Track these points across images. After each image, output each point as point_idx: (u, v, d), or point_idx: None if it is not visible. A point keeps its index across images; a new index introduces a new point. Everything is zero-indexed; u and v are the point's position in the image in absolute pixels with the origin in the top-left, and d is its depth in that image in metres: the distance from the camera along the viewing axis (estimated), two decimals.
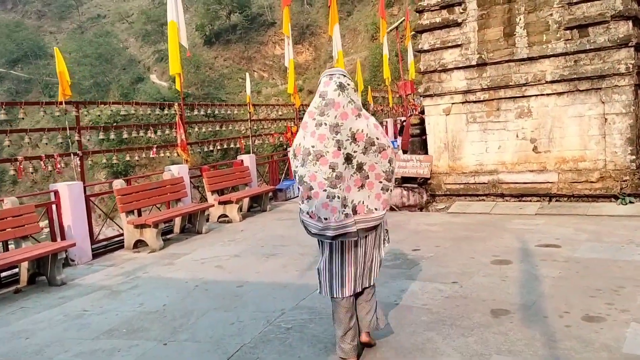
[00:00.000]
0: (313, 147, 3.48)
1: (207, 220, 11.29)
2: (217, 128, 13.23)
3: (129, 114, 11.32)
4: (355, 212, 3.58)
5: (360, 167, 3.55)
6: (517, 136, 9.33)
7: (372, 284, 3.88)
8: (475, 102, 9.58)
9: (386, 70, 22.01)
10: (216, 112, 13.17)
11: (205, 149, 13.09)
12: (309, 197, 3.53)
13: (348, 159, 3.49)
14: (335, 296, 3.79)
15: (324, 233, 3.57)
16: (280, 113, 15.68)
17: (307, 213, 3.61)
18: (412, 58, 24.51)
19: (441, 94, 9.84)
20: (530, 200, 9.22)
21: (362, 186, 3.59)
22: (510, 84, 9.15)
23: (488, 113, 9.51)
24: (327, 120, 3.47)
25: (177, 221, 10.39)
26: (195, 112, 12.45)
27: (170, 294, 6.11)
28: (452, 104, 9.80)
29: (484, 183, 9.55)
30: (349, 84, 3.63)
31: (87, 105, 9.79)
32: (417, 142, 10.37)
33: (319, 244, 3.90)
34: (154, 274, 7.05)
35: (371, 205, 3.62)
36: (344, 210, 3.52)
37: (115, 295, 6.25)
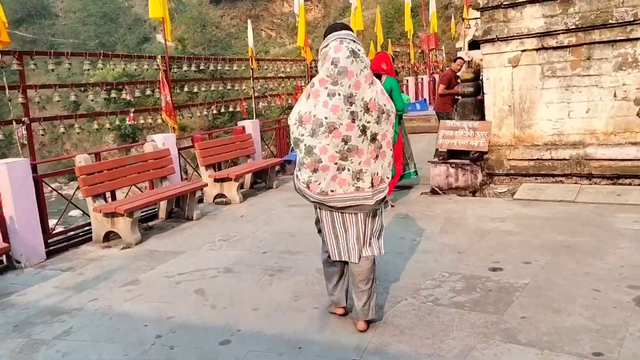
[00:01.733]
0: (326, 118, 3.20)
1: (202, 201, 8.82)
2: (221, 88, 10.61)
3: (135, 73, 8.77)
4: (372, 184, 3.40)
5: (374, 138, 3.36)
6: (614, 95, 6.63)
7: (375, 253, 3.59)
8: (555, 48, 6.85)
9: (408, 22, 19.07)
10: (218, 67, 10.47)
11: (215, 111, 10.54)
12: (315, 170, 3.29)
13: (364, 130, 3.28)
14: (343, 259, 3.60)
15: (327, 203, 3.40)
16: (288, 70, 12.97)
17: (306, 183, 3.39)
18: (433, 8, 21.49)
19: (507, 38, 7.10)
20: (631, 184, 6.59)
21: (377, 156, 3.42)
22: (610, 22, 6.41)
23: (573, 64, 6.79)
24: (340, 90, 3.20)
25: (162, 205, 7.89)
26: (186, 68, 9.79)
27: (112, 357, 3.63)
28: (522, 51, 7.07)
29: (564, 159, 6.91)
30: (359, 50, 3.34)
31: (34, 57, 7.21)
32: (469, 104, 7.69)
33: (315, 208, 3.64)
34: (104, 305, 4.54)
35: (384, 175, 3.49)
36: (355, 183, 3.34)
37: (35, 348, 3.78)
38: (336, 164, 3.26)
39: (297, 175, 3.46)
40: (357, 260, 3.51)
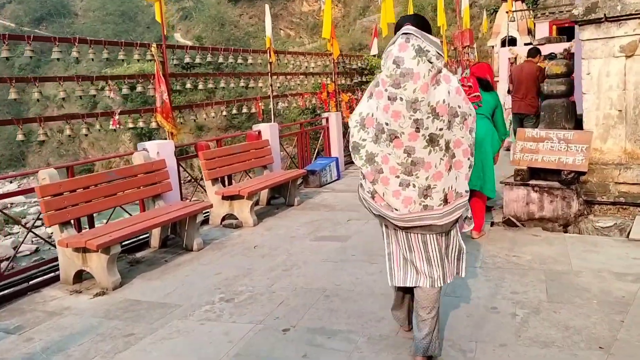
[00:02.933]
0: (387, 124, 2.71)
1: (207, 221, 7.00)
2: (235, 85, 8.74)
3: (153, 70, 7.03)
4: (446, 201, 2.80)
5: (447, 147, 2.76)
6: None
7: (448, 280, 3.00)
8: None
9: (441, 16, 16.98)
10: (230, 60, 8.54)
11: (225, 113, 8.65)
12: (374, 181, 2.83)
13: (432, 140, 2.69)
14: (394, 284, 3.06)
15: (393, 222, 2.84)
16: (312, 66, 11.05)
17: (371, 193, 2.90)
18: (466, 3, 19.37)
19: (620, 18, 5.08)
20: None
21: (450, 168, 2.80)
22: None
23: None
24: (403, 94, 2.61)
25: (155, 231, 6.03)
26: (188, 60, 7.90)
27: None
28: None
29: None
30: (429, 48, 2.67)
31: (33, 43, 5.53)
32: (559, 107, 5.67)
33: (380, 223, 3.07)
34: None
35: (460, 189, 2.86)
36: (422, 201, 2.77)
37: None
38: (398, 177, 2.79)
39: (361, 184, 3.03)
40: (427, 285, 2.96)
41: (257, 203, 7.63)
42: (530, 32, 24.24)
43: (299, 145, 9.82)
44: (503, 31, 23.40)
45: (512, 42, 21.15)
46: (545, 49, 11.60)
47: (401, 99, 2.63)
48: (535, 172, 5.71)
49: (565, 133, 5.50)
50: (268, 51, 8.96)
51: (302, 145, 9.88)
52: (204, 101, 10.23)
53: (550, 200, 5.51)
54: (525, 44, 20.14)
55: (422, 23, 2.78)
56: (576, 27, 5.32)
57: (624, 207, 5.30)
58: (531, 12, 23.91)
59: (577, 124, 5.67)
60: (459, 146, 2.82)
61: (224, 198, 6.95)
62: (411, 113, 2.64)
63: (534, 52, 9.71)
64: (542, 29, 23.19)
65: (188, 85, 8.05)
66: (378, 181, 2.82)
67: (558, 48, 14.59)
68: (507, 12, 18.46)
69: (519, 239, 5.24)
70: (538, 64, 8.87)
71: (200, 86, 8.20)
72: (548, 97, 5.70)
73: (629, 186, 5.23)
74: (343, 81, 11.91)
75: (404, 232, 2.91)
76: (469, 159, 2.87)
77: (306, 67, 10.72)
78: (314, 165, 9.55)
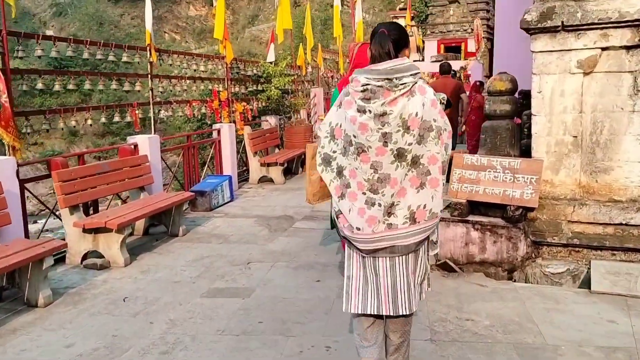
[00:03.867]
0: (355, 137, 2.49)
1: (63, 260, 5.41)
2: (124, 90, 7.04)
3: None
4: (414, 220, 2.53)
5: (416, 162, 2.53)
6: None
7: (414, 307, 2.64)
8: None
9: (337, 26, 16.15)
10: (97, 56, 6.82)
11: (103, 120, 6.90)
12: (342, 196, 2.61)
13: (400, 155, 2.47)
14: (367, 313, 2.67)
15: (356, 245, 2.60)
16: (202, 69, 9.54)
17: (336, 213, 2.69)
18: (359, 17, 18.80)
19: (580, 27, 4.24)
20: None
21: (422, 185, 2.54)
22: None
23: None
24: (372, 107, 2.42)
25: None
26: (55, 54, 6.15)
27: None
28: (603, 49, 4.24)
29: None
30: (403, 62, 2.49)
31: None
32: (503, 130, 4.73)
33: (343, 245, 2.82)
34: None
35: (436, 209, 2.58)
36: (386, 220, 2.52)
37: None
38: (364, 194, 2.54)
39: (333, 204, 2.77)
40: (391, 313, 2.62)
41: (131, 233, 6.03)
42: (419, 50, 24.49)
43: (186, 161, 8.27)
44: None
45: None
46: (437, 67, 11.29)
47: (369, 111, 2.45)
48: (476, 206, 4.76)
49: (511, 161, 4.59)
50: (148, 48, 7.36)
51: (189, 161, 8.34)
52: (79, 104, 8.34)
53: (493, 240, 4.56)
54: (415, 61, 19.93)
55: (398, 33, 2.57)
56: (531, 40, 4.41)
57: (577, 249, 4.48)
58: (420, 29, 24.13)
59: (524, 150, 4.79)
60: (434, 162, 2.56)
61: (86, 231, 5.32)
62: (379, 126, 2.45)
63: (448, 68, 9.21)
64: (431, 47, 23.48)
65: (57, 87, 6.27)
66: (345, 196, 2.62)
67: (455, 65, 14.34)
68: (405, 27, 18.02)
69: (464, 292, 4.21)
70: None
71: (71, 86, 6.44)
72: (490, 118, 4.78)
73: (583, 225, 4.40)
74: (237, 89, 10.51)
75: (370, 258, 2.63)
76: (443, 175, 2.63)
77: (194, 70, 9.19)
78: (203, 185, 8.06)
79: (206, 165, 9.02)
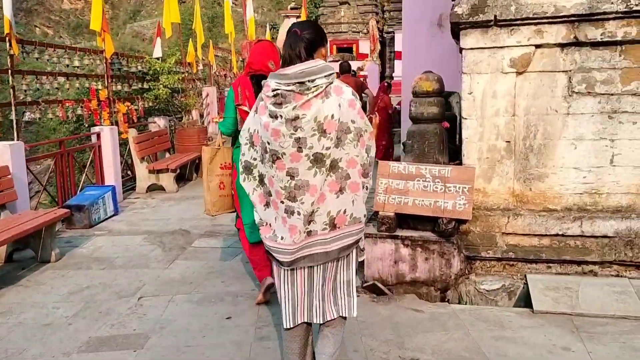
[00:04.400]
0: (269, 144, 2.36)
1: None
2: None
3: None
4: (334, 226, 2.42)
5: (334, 166, 2.39)
6: None
7: (340, 314, 2.57)
8: (596, 44, 3.78)
9: (228, 23, 15.25)
10: None
11: None
12: (267, 204, 2.50)
13: (317, 160, 2.33)
14: (285, 327, 2.58)
15: (276, 256, 2.46)
16: (76, 65, 8.28)
17: (258, 224, 2.56)
18: (251, 14, 18.03)
19: (514, 23, 3.83)
20: None
21: (342, 190, 2.41)
22: None
23: (627, 74, 3.82)
24: (283, 112, 2.27)
25: None
26: None
27: None
28: (537, 46, 3.86)
29: (604, 237, 3.89)
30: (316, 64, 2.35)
31: None
32: (431, 134, 4.23)
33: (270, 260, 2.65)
34: None
35: (357, 213, 2.47)
36: (307, 228, 2.40)
37: None
38: (283, 202, 2.39)
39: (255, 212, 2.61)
40: (319, 321, 2.56)
41: None
42: None
43: (59, 171, 7.05)
44: None
45: None
46: (336, 66, 10.99)
47: (280, 116, 2.28)
48: (404, 219, 4.24)
49: (441, 169, 4.12)
50: (7, 39, 6.09)
51: (64, 170, 7.13)
52: None
53: (425, 257, 4.07)
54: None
55: (313, 32, 2.42)
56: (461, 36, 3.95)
57: (511, 263, 4.11)
58: None
59: (452, 156, 4.35)
60: (353, 166, 2.43)
61: None
62: (291, 131, 2.28)
63: (347, 67, 8.95)
64: None
65: None
66: (270, 205, 2.49)
67: (352, 65, 14.05)
68: None
69: (401, 320, 3.64)
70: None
71: None
72: (417, 122, 4.28)
73: (519, 237, 4.03)
74: (119, 87, 9.31)
75: (289, 270, 2.51)
76: (363, 179, 2.50)
77: (67, 66, 7.92)
78: (80, 198, 6.90)
79: (84, 175, 7.81)
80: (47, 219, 5.29)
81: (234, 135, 3.95)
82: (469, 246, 4.09)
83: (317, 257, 2.44)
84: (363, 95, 8.90)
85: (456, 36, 4.18)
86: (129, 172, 9.14)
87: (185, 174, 9.51)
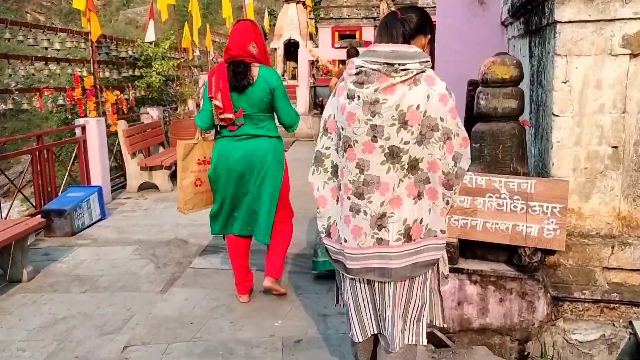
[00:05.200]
0: (343, 129, 2.10)
1: None
2: None
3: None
4: (409, 237, 2.06)
5: (414, 166, 2.04)
6: None
7: (407, 341, 2.18)
8: None
9: (226, 6, 14.14)
10: None
11: None
12: (337, 200, 2.20)
13: (393, 154, 2.02)
14: (353, 340, 2.32)
15: (340, 259, 2.18)
16: (57, 48, 7.18)
17: (325, 229, 2.24)
18: None
19: None
20: None
21: (420, 195, 2.07)
22: None
23: None
24: (362, 92, 2.00)
25: None
26: None
27: None
28: None
29: None
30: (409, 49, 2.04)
31: None
32: (507, 135, 3.11)
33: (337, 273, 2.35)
34: None
35: (434, 226, 2.10)
36: (375, 233, 2.07)
37: None
38: (349, 198, 2.10)
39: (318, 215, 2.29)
40: (385, 348, 2.23)
41: None
42: (312, 38, 23.05)
43: (36, 171, 5.99)
44: (286, 33, 21.66)
45: (295, 46, 19.48)
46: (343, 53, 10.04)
47: (358, 97, 2.01)
48: (469, 246, 3.23)
49: (522, 182, 3.10)
50: None
51: (42, 169, 6.07)
52: None
53: (499, 298, 3.06)
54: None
55: (415, 16, 2.13)
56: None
57: (611, 305, 3.12)
58: (312, 13, 22.62)
59: (540, 167, 3.33)
60: (435, 170, 2.07)
61: None
62: (368, 117, 2.00)
63: (355, 53, 8.15)
64: (325, 35, 22.08)
65: None
66: (339, 201, 2.17)
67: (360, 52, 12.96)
68: (305, 7, 16.49)
69: None
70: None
71: None
72: (486, 119, 3.25)
73: (625, 274, 3.03)
74: (107, 74, 8.20)
75: (356, 282, 2.17)
76: (444, 190, 2.12)
77: (46, 49, 6.81)
78: (61, 202, 5.88)
79: (67, 174, 6.73)
80: (16, 232, 4.30)
81: (216, 130, 3.71)
82: (558, 284, 3.08)
83: (389, 272, 2.08)
84: None
85: (517, 12, 3.13)
86: (119, 169, 8.10)
87: None
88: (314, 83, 12.74)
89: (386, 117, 1.98)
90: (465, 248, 3.21)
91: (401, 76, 1.96)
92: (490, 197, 3.13)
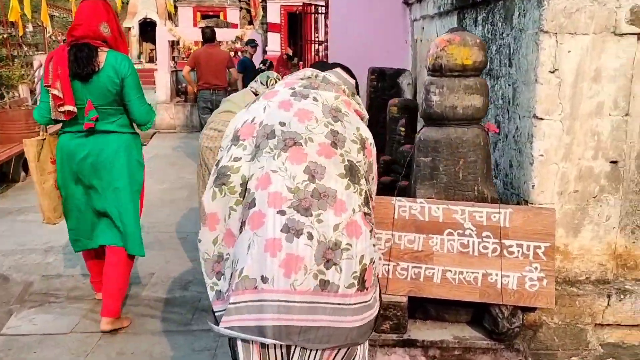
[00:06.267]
0: (283, 125, 1.57)
1: None
2: None
3: None
4: (363, 284, 1.51)
5: (367, 198, 1.59)
6: None
7: None
8: None
9: None
10: None
11: None
12: (240, 228, 1.52)
13: (353, 171, 1.55)
14: None
15: (246, 321, 1.46)
16: None
17: (217, 289, 1.56)
18: None
19: None
20: None
21: (372, 230, 1.59)
22: None
23: None
24: (321, 95, 1.65)
25: None
26: None
27: None
28: None
29: None
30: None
31: None
32: (470, 145, 2.19)
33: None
34: None
35: (377, 264, 1.63)
36: (320, 273, 1.44)
37: None
38: (283, 213, 1.45)
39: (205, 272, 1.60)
40: None
41: None
42: (171, 17, 21.12)
43: None
44: (141, 12, 19.53)
45: (151, 25, 17.57)
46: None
47: (315, 99, 1.62)
48: (419, 302, 2.25)
49: (492, 212, 2.16)
50: None
51: None
52: None
53: None
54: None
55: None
56: None
57: None
58: None
59: (510, 189, 2.41)
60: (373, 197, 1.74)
61: None
62: (330, 120, 1.58)
63: (211, 35, 7.24)
64: (185, 14, 20.29)
65: None
66: (247, 224, 1.48)
67: (228, 35, 11.58)
68: None
69: None
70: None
71: None
72: (439, 122, 2.24)
73: (624, 332, 2.24)
74: None
75: (273, 349, 1.47)
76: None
77: None
78: None
79: None
80: None
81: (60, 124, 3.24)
82: (540, 351, 2.22)
83: (335, 336, 1.44)
84: (227, 73, 7.16)
85: None
86: None
87: (9, 173, 6.61)
88: (175, 67, 11.18)
89: (349, 129, 1.60)
90: (415, 305, 2.23)
91: (357, 102, 1.72)
92: (450, 234, 2.17)
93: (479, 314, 2.23)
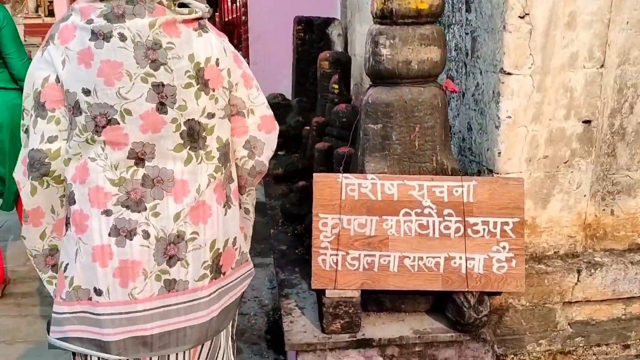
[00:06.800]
0: (86, 93, 1.18)
1: None
2: None
3: None
4: (219, 270, 1.35)
5: (225, 154, 1.34)
6: None
7: None
8: None
9: None
10: None
11: None
12: (67, 225, 1.29)
13: (193, 134, 1.26)
14: None
15: (79, 342, 1.27)
16: None
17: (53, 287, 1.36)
18: None
19: None
20: None
21: (229, 201, 1.38)
22: None
23: None
24: (128, 27, 1.17)
25: None
26: None
27: None
28: None
29: None
30: None
31: None
32: (426, 108, 1.83)
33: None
34: None
35: (245, 246, 1.47)
36: (165, 273, 1.26)
37: None
38: (108, 213, 1.22)
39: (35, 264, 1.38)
40: None
41: None
42: None
43: None
44: None
45: None
46: None
47: (122, 36, 1.17)
48: (372, 293, 1.92)
49: (454, 185, 1.84)
50: None
51: None
52: None
53: None
54: None
55: None
56: None
57: (566, 350, 2.14)
58: None
59: (443, 164, 2.08)
60: (234, 159, 1.40)
61: None
62: (148, 69, 1.18)
63: None
64: None
65: None
66: (70, 226, 1.25)
67: None
68: None
69: None
70: None
71: None
72: (390, 81, 1.85)
73: (592, 307, 2.04)
74: None
75: None
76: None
77: None
78: None
79: None
80: None
81: None
82: (506, 337, 1.98)
83: (184, 337, 1.29)
84: None
85: None
86: None
87: None
88: None
89: (177, 71, 1.19)
90: (368, 297, 1.90)
91: (183, 13, 1.20)
92: (407, 214, 1.83)
93: (439, 301, 1.95)
